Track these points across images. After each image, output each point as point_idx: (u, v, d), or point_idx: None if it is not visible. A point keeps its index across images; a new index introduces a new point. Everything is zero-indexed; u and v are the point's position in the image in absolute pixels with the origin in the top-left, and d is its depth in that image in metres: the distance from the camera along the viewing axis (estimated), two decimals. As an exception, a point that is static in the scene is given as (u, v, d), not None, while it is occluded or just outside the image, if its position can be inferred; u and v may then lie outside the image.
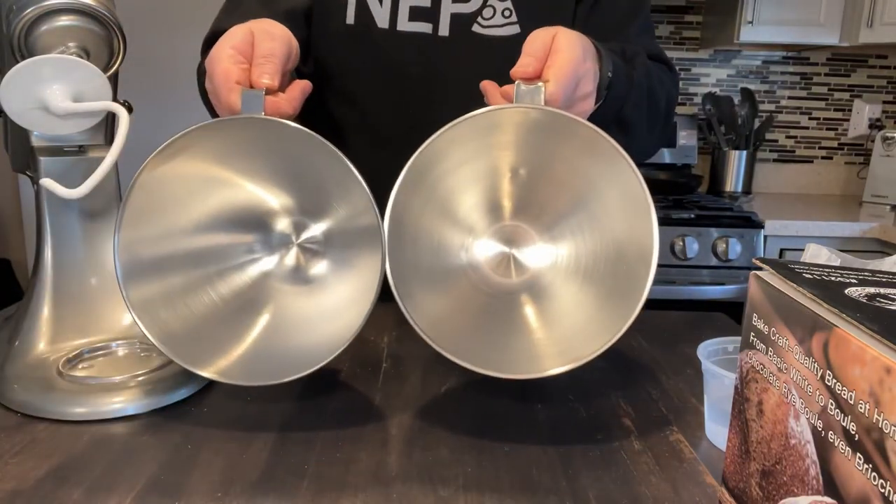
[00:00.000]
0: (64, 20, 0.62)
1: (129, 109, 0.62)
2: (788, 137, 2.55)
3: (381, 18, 0.77)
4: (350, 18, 0.78)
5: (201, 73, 0.74)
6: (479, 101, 0.63)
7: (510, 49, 0.64)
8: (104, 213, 0.69)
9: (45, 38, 0.62)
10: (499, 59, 0.64)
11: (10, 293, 2.37)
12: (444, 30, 0.77)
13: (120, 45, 0.66)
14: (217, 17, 0.83)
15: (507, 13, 0.76)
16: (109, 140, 0.72)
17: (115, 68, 0.66)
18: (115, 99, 0.66)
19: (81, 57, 0.62)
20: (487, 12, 0.76)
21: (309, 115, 0.72)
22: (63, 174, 0.65)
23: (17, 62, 0.59)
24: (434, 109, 0.65)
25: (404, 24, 0.77)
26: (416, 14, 0.77)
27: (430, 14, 0.77)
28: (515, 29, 0.77)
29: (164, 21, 2.37)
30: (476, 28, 0.77)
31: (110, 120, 0.71)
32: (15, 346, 0.64)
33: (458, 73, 0.77)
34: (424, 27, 0.78)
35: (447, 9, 0.76)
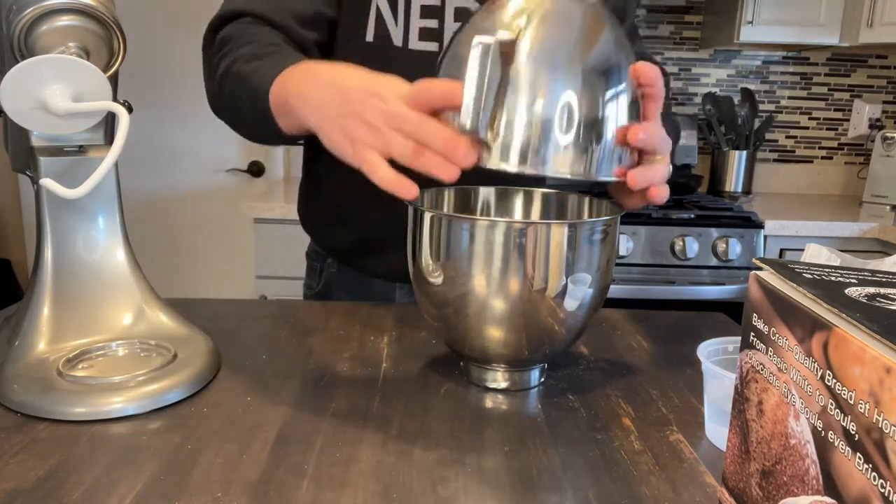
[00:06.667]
0: (64, 20, 0.62)
1: (129, 109, 0.62)
2: (788, 137, 2.55)
3: (396, 37, 0.87)
4: (370, 36, 0.87)
5: (218, 68, 0.78)
6: None
7: None
8: (104, 213, 0.69)
9: (45, 38, 0.62)
10: None
11: (10, 293, 2.38)
12: None
13: (120, 45, 0.66)
14: None
15: None
16: (109, 140, 0.72)
17: (115, 68, 0.66)
18: (115, 99, 0.66)
19: (81, 57, 0.62)
20: None
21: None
22: (63, 174, 0.65)
23: (17, 62, 0.59)
24: None
25: (415, 44, 0.87)
26: (424, 35, 0.87)
27: (437, 34, 0.87)
28: None
29: (164, 21, 2.37)
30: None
31: (110, 120, 0.70)
32: (15, 346, 0.64)
33: None
34: (432, 46, 0.87)
35: (450, 28, 0.86)
